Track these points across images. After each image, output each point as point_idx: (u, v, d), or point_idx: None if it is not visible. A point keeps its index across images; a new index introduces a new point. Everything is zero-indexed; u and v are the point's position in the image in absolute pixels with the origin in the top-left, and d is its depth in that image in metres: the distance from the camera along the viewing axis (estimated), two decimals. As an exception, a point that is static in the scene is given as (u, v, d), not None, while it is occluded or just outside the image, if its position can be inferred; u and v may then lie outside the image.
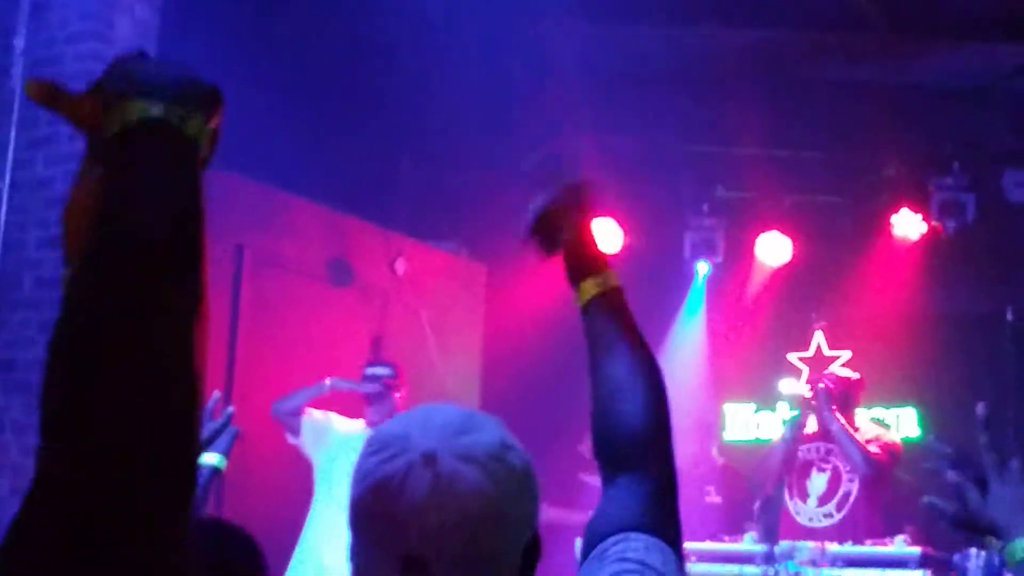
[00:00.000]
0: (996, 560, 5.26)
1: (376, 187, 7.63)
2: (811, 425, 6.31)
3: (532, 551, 1.32)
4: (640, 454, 1.60)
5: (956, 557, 5.54)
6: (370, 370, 6.04)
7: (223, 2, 6.20)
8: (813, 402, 6.19)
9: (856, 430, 6.14)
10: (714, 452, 7.92)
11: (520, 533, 1.29)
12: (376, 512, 1.25)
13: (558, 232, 1.73)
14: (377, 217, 7.57)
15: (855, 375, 6.44)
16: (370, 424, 5.89)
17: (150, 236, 0.97)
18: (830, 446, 6.13)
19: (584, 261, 1.73)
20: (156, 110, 1.03)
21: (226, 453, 2.55)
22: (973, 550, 5.43)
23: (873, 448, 5.99)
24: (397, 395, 5.93)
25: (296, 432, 5.97)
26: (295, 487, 6.02)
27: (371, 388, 5.88)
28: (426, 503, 1.23)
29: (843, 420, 6.11)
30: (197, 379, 0.94)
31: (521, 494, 1.29)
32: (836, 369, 6.84)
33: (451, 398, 7.43)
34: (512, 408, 8.17)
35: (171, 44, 5.77)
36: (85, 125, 1.04)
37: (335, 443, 5.82)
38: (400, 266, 7.51)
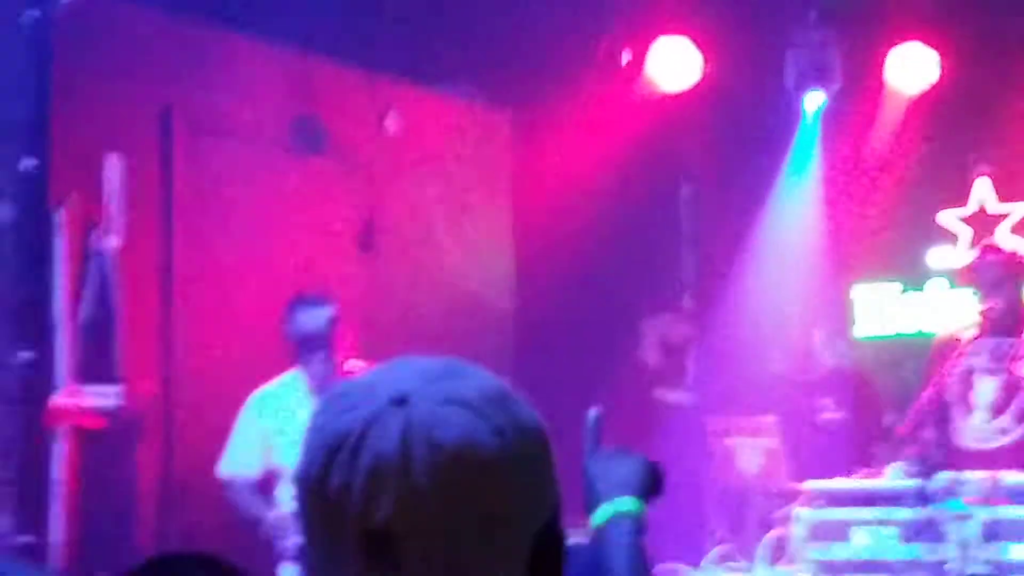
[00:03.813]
0: None
1: (352, 13, 7.40)
2: (968, 317, 6.36)
3: (548, 551, 1.29)
4: None
5: None
6: (301, 315, 5.93)
7: None
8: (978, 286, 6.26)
9: None
10: (835, 351, 7.79)
11: (528, 513, 1.27)
12: (328, 478, 1.24)
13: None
14: (357, 56, 7.48)
15: None
16: (307, 362, 5.95)
17: None
18: (1001, 341, 6.16)
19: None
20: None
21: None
22: None
23: None
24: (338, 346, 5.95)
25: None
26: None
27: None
28: (394, 457, 1.23)
29: None
30: None
31: (530, 458, 1.27)
32: (1004, 240, 7.14)
33: (475, 302, 7.81)
34: (558, 304, 8.21)
35: None
36: None
37: (272, 417, 5.89)
38: (393, 122, 7.55)
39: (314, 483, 1.25)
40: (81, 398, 5.86)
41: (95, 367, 5.93)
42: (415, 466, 1.21)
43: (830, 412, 7.47)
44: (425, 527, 1.22)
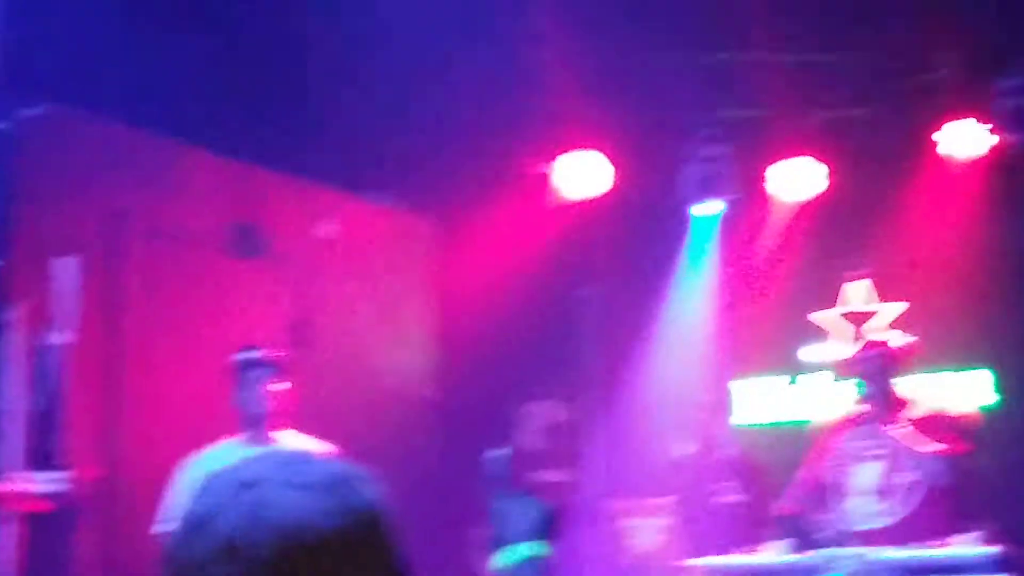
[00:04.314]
0: None
1: (290, 130, 7.58)
2: (843, 406, 6.39)
3: None
4: None
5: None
6: (242, 356, 5.85)
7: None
8: (863, 379, 6.28)
9: (904, 405, 6.24)
10: (729, 438, 7.94)
11: None
12: (188, 553, 1.28)
13: None
14: (293, 167, 7.60)
15: (908, 339, 6.60)
16: (248, 426, 5.73)
17: None
18: (881, 428, 6.21)
19: None
20: None
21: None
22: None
23: (946, 439, 6.05)
24: (278, 384, 5.78)
25: None
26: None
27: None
28: (241, 534, 1.26)
29: (897, 431, 6.17)
30: None
31: (364, 536, 1.29)
32: (882, 334, 7.00)
33: (401, 394, 7.82)
34: (477, 393, 7.86)
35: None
36: None
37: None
38: (325, 228, 7.64)
39: (175, 558, 1.30)
40: (29, 483, 5.87)
41: (43, 454, 5.95)
42: (258, 543, 1.25)
43: (725, 495, 7.49)
44: None
